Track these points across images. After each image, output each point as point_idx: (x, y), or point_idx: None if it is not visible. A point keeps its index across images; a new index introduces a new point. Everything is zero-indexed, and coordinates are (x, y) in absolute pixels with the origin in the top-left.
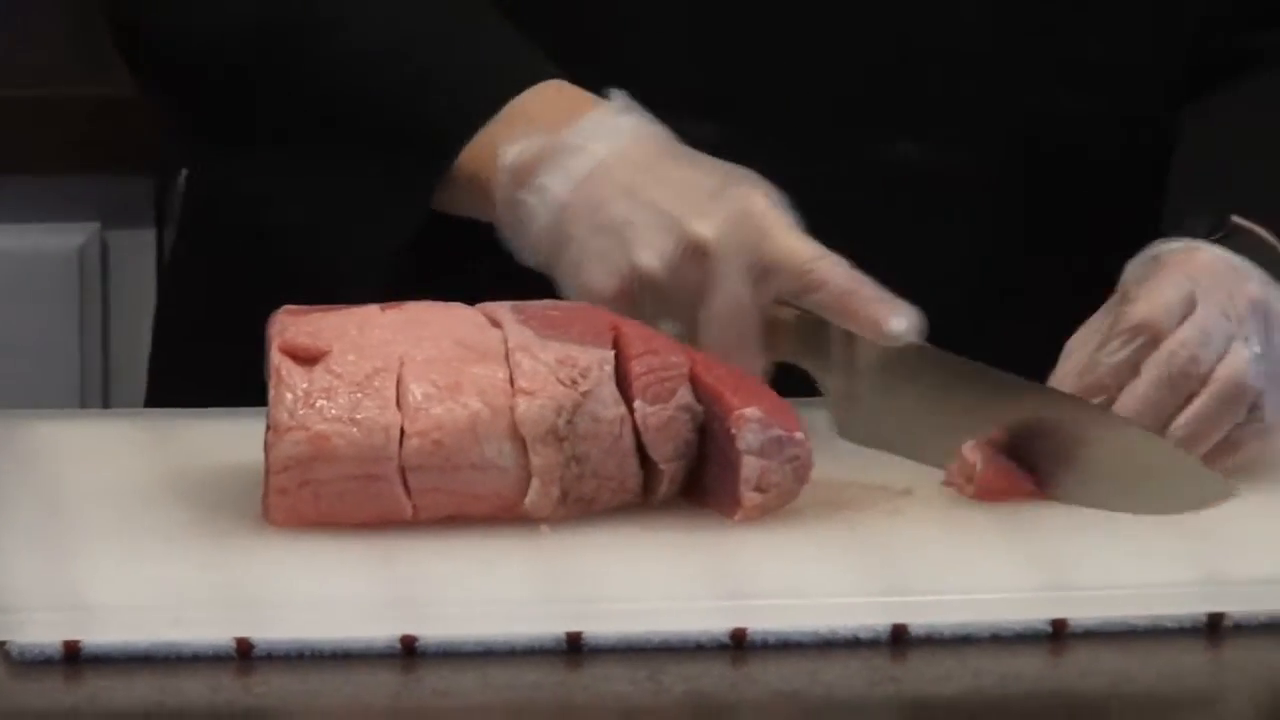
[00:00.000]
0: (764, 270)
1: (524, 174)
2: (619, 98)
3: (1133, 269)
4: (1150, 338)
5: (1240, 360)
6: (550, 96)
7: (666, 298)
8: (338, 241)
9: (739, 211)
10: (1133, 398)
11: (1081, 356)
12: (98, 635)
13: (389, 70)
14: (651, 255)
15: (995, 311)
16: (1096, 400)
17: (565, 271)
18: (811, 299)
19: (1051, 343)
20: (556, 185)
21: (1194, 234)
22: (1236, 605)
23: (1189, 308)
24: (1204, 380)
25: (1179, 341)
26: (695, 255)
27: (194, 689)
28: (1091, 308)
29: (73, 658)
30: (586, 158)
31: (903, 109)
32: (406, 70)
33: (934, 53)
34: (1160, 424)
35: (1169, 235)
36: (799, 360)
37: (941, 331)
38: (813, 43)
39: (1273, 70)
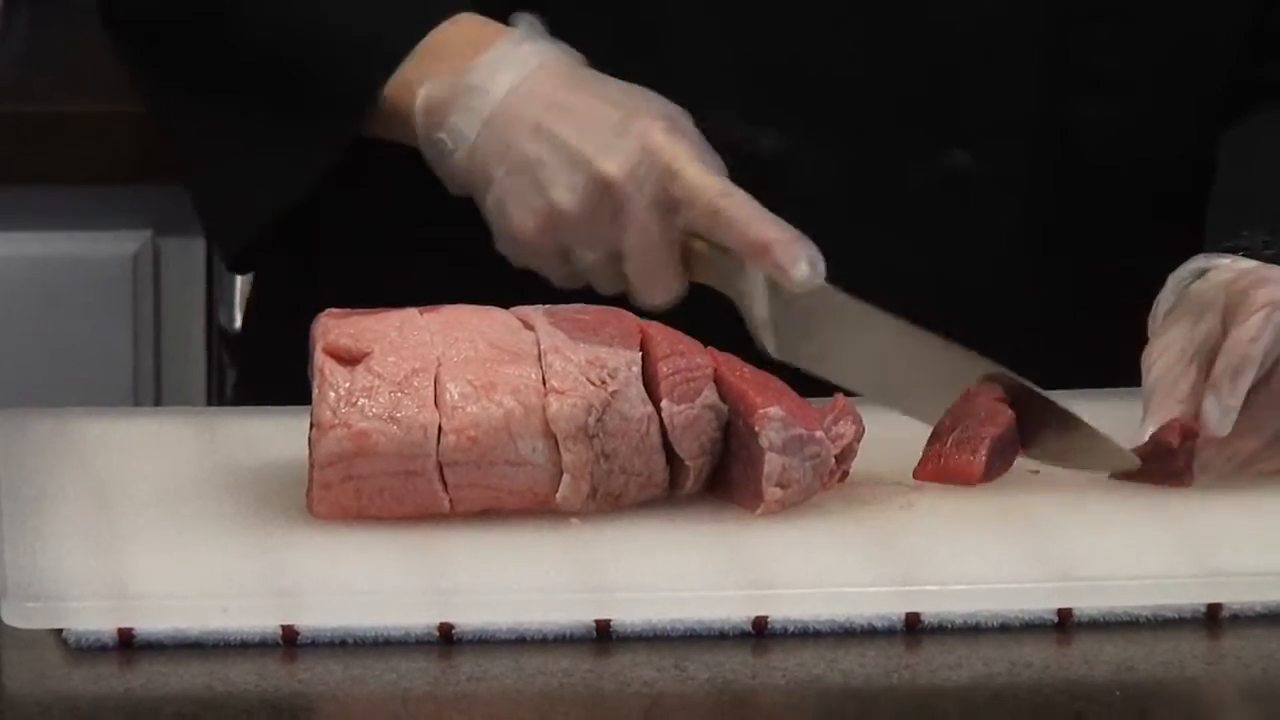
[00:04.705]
0: (671, 205)
1: (436, 114)
2: (523, 23)
3: (1177, 282)
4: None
5: None
6: (464, 28)
7: (584, 231)
8: (254, 182)
9: (642, 148)
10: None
11: (1166, 367)
12: (150, 623)
13: (306, 16)
14: (565, 194)
15: (1035, 309)
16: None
17: (490, 211)
18: (720, 236)
19: (1087, 337)
20: (465, 125)
21: (1250, 245)
22: (1233, 596)
23: None
24: None
25: None
26: (606, 192)
27: (242, 674)
28: (1127, 304)
29: (126, 645)
30: (490, 97)
31: (955, 120)
32: (323, 14)
33: (985, 66)
34: (1262, 439)
35: (1214, 247)
36: (717, 286)
37: (982, 326)
38: (869, 57)
39: None
